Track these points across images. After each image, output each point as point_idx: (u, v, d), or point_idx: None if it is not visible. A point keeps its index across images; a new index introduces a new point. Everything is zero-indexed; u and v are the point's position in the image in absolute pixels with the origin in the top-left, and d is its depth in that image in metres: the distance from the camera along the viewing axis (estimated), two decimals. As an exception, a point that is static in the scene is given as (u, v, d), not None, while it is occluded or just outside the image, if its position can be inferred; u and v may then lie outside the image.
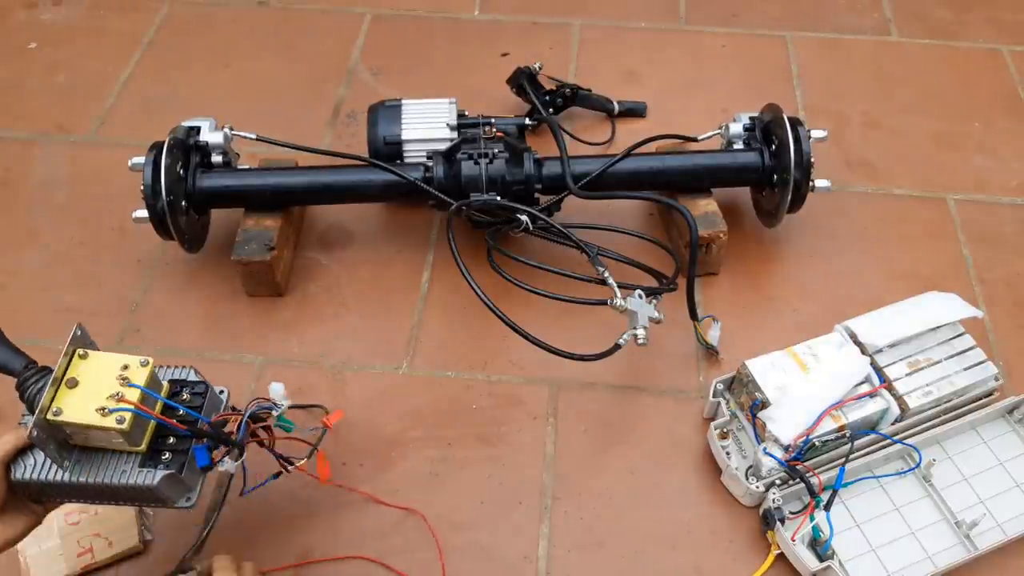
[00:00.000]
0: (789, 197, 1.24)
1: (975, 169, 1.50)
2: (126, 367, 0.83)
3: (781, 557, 1.02)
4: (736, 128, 1.33)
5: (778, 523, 1.01)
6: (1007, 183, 1.47)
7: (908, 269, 1.34)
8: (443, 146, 1.29)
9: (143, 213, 1.20)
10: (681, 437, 1.15)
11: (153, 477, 0.82)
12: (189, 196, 1.23)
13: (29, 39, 1.71)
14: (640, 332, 1.06)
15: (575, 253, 1.15)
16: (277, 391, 0.93)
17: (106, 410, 0.80)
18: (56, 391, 0.81)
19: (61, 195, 1.44)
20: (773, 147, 1.27)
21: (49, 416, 0.79)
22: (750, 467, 1.06)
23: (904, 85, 1.64)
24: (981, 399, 1.13)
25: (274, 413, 0.91)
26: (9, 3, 1.78)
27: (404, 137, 1.32)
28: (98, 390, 0.81)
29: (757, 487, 1.04)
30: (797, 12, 1.78)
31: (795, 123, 1.24)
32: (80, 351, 0.84)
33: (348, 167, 1.30)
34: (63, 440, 0.83)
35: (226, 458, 0.87)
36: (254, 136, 1.31)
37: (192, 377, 0.90)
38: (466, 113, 1.36)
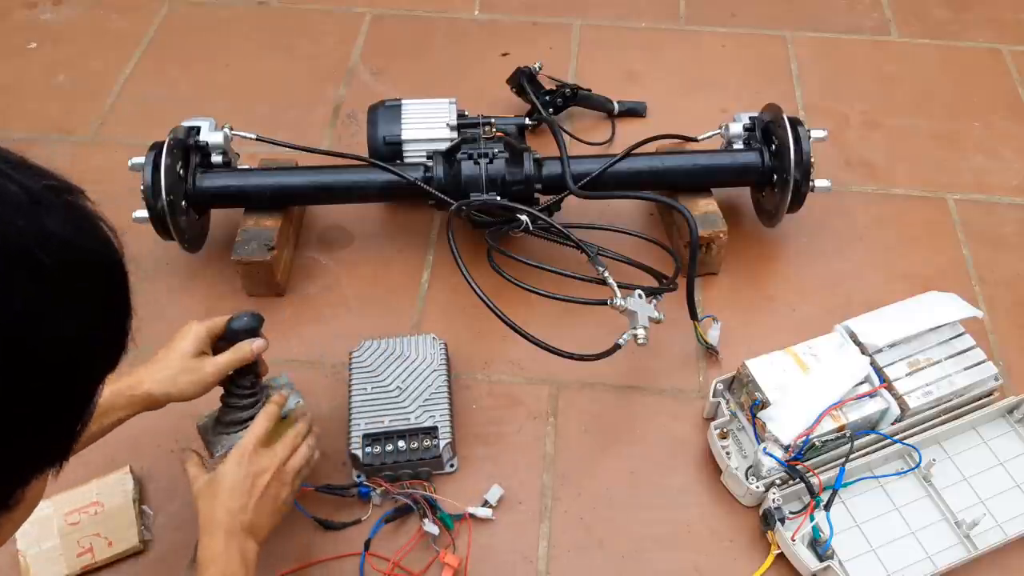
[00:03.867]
0: (789, 197, 1.23)
1: (975, 169, 1.49)
2: None
3: (781, 557, 1.02)
4: (736, 128, 1.33)
5: (778, 523, 1.00)
6: (1007, 183, 1.47)
7: (908, 269, 1.34)
8: (443, 146, 1.29)
9: (143, 213, 1.19)
10: (681, 437, 1.15)
11: None
12: (189, 196, 1.23)
13: (29, 39, 1.71)
14: (640, 332, 1.06)
15: (575, 253, 1.15)
16: (493, 495, 1.08)
17: None
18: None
19: (61, 195, 1.44)
20: (773, 147, 1.27)
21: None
22: (750, 467, 1.06)
23: (904, 85, 1.64)
24: (981, 399, 1.13)
25: (437, 515, 1.05)
26: (9, 3, 1.78)
27: (404, 137, 1.32)
28: None
29: (757, 487, 1.04)
30: (797, 12, 1.78)
31: (795, 123, 1.24)
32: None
33: (348, 167, 1.30)
34: None
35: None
36: (254, 136, 1.31)
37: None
38: (466, 113, 1.36)
